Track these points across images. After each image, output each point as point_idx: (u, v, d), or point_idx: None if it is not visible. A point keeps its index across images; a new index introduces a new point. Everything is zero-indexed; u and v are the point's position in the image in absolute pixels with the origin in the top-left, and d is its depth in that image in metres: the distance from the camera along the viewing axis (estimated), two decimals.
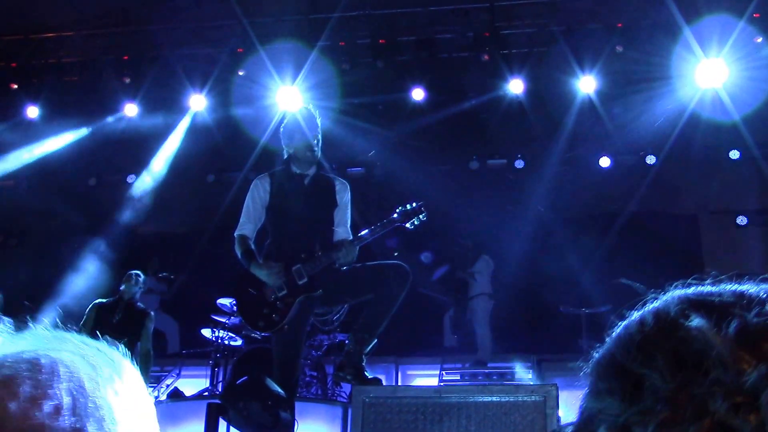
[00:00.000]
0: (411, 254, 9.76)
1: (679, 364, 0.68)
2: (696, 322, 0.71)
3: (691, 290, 0.78)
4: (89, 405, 0.72)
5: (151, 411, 0.81)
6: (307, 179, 4.76)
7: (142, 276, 7.53)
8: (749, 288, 0.76)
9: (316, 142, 4.75)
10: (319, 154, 4.79)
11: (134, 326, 7.15)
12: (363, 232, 4.60)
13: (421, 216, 4.66)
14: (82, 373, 0.74)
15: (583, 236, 11.09)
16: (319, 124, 4.82)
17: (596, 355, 0.79)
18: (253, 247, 4.65)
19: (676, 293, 0.78)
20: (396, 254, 9.78)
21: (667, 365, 0.69)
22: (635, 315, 0.79)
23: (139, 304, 7.45)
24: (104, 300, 7.42)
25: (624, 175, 10.88)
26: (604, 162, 10.92)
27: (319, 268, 4.52)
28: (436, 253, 10.67)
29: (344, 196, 4.81)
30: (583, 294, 9.73)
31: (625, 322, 0.79)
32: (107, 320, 7.07)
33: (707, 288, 0.78)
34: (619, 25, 9.35)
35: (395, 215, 4.64)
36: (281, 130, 4.87)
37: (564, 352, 9.24)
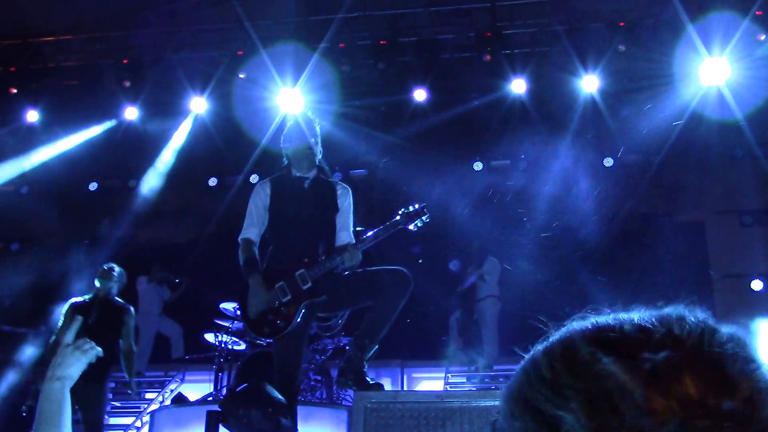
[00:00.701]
0: (411, 259, 9.70)
1: (594, 406, 0.67)
2: (606, 362, 0.69)
3: (591, 323, 0.76)
4: None
5: None
6: (308, 182, 4.72)
7: (118, 269, 6.94)
8: (647, 320, 0.74)
9: (315, 144, 4.72)
10: (318, 157, 4.75)
11: (113, 325, 6.69)
12: (366, 235, 4.55)
13: (423, 217, 4.62)
14: None
15: (586, 237, 11.02)
16: (318, 130, 4.78)
17: (506, 388, 0.78)
18: (257, 254, 4.61)
19: (577, 326, 0.76)
20: (420, 261, 9.78)
21: (582, 408, 0.68)
22: (540, 347, 0.77)
23: (116, 300, 6.91)
24: (79, 299, 6.89)
25: (627, 175, 10.82)
26: (608, 162, 10.87)
27: (322, 273, 4.47)
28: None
29: (345, 200, 4.77)
30: (589, 296, 9.66)
31: (530, 356, 0.77)
32: (83, 321, 6.81)
33: (607, 320, 0.76)
34: (622, 23, 9.31)
35: (398, 217, 4.59)
36: (282, 134, 4.84)
37: None
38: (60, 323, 6.62)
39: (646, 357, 0.69)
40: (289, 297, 4.44)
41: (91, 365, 6.33)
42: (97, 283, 6.80)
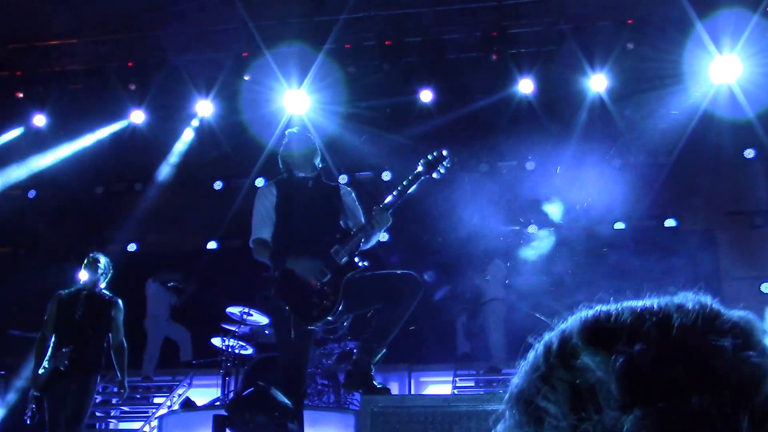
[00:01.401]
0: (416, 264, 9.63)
1: (577, 399, 0.67)
2: (588, 353, 0.69)
3: (593, 312, 0.75)
4: None
5: None
6: (311, 182, 4.70)
7: (104, 259, 6.48)
8: (647, 308, 0.73)
9: (316, 147, 4.72)
10: (318, 157, 4.74)
11: (100, 319, 6.30)
12: (389, 197, 4.47)
13: (445, 162, 4.56)
14: None
15: (594, 239, 10.94)
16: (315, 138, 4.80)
17: (512, 384, 0.77)
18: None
19: (580, 316, 0.75)
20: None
21: (567, 401, 0.67)
22: (544, 338, 0.76)
23: (104, 292, 6.46)
24: (66, 291, 6.45)
25: (636, 176, 10.71)
26: (616, 163, 10.77)
27: (356, 244, 4.45)
28: (439, 270, 10.49)
29: (349, 198, 4.78)
30: (600, 298, 9.54)
31: (535, 347, 0.76)
32: (69, 316, 6.22)
33: (609, 309, 0.75)
34: (630, 21, 9.23)
35: (420, 168, 4.53)
36: (283, 135, 4.83)
37: None
38: (46, 318, 6.30)
39: (622, 349, 0.67)
40: (329, 276, 4.38)
41: (75, 358, 5.70)
42: (82, 276, 6.43)
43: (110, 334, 6.30)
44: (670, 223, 10.82)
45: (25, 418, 5.93)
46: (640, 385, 0.65)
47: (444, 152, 4.57)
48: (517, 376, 0.76)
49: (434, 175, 4.55)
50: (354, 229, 4.52)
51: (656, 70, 9.14)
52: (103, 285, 6.44)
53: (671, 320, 0.70)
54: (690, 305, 0.72)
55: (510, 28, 9.71)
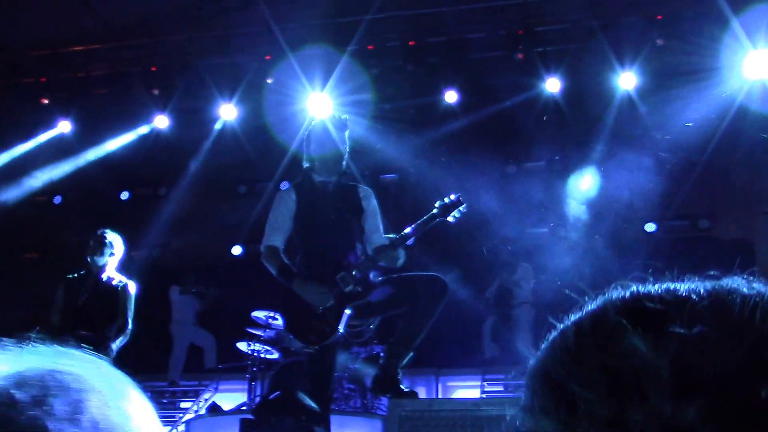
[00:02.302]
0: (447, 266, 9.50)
1: (617, 384, 0.60)
2: (632, 335, 0.62)
3: (630, 292, 0.69)
4: (115, 420, 0.71)
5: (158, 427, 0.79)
6: (331, 186, 4.60)
7: (111, 235, 5.84)
8: (694, 290, 0.66)
9: (345, 150, 4.61)
10: (343, 163, 4.63)
11: (106, 305, 5.67)
12: (405, 231, 4.41)
13: (461, 208, 4.49)
14: (103, 388, 0.74)
15: (625, 239, 10.75)
16: (347, 135, 4.67)
17: (531, 363, 0.71)
18: (287, 261, 4.49)
19: (615, 294, 0.69)
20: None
21: (604, 386, 0.61)
22: (572, 318, 0.70)
23: (113, 276, 5.81)
24: (74, 275, 5.87)
25: (668, 174, 10.51)
26: (647, 161, 10.57)
27: (362, 274, 4.37)
28: (467, 273, 10.36)
29: (370, 201, 4.69)
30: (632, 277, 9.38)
31: (561, 326, 0.70)
32: (74, 301, 5.66)
33: (648, 289, 0.68)
34: (659, 17, 9.04)
35: (435, 210, 4.47)
36: (305, 137, 4.70)
37: None
38: (53, 303, 5.87)
39: (678, 332, 0.60)
40: (332, 302, 4.32)
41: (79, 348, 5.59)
42: (89, 258, 5.79)
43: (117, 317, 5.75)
44: (703, 224, 10.60)
45: None
46: (699, 373, 0.59)
47: (460, 198, 4.53)
48: (543, 356, 0.69)
49: (449, 219, 4.49)
50: (362, 258, 4.45)
51: (688, 65, 8.95)
52: (113, 265, 5.83)
53: (727, 303, 0.63)
54: (744, 290, 0.64)
55: (536, 25, 9.56)
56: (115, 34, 10.28)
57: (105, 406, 0.71)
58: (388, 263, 4.41)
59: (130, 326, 5.77)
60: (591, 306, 0.69)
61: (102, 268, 5.74)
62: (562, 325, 0.70)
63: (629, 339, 0.62)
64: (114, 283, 5.76)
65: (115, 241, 5.83)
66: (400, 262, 4.45)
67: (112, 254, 5.77)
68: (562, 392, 0.64)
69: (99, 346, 5.31)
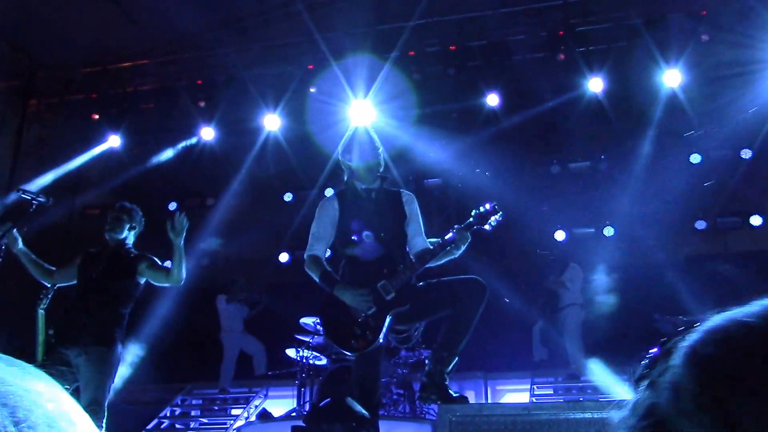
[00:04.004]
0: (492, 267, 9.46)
1: None
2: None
3: (757, 317, 0.58)
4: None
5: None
6: (374, 193, 4.63)
7: (132, 211, 5.43)
8: None
9: (381, 157, 4.63)
10: (381, 168, 4.65)
11: (122, 281, 5.15)
12: (446, 237, 4.43)
13: (497, 216, 4.48)
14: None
15: (674, 238, 10.55)
16: (378, 143, 4.69)
17: (628, 410, 0.61)
18: (329, 268, 4.53)
19: (734, 323, 0.58)
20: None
21: None
22: (680, 354, 0.59)
23: (130, 250, 5.31)
24: (95, 249, 5.37)
25: (717, 171, 10.29)
26: (695, 158, 10.36)
27: (404, 282, 4.40)
28: (515, 275, 10.27)
29: (412, 206, 4.70)
30: (680, 301, 9.22)
31: (662, 365, 0.60)
32: (88, 275, 5.17)
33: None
34: (704, 12, 8.87)
35: (471, 219, 4.47)
36: (346, 144, 4.74)
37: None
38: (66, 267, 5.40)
39: None
40: (374, 309, 4.34)
41: (92, 325, 4.87)
42: (107, 233, 5.31)
43: (125, 307, 5.20)
44: (756, 220, 10.34)
45: None
46: None
47: (495, 206, 4.51)
48: (650, 402, 0.60)
49: (486, 227, 4.49)
50: (402, 266, 4.44)
51: (734, 60, 8.77)
52: (131, 241, 5.36)
53: None
54: None
55: (577, 25, 9.48)
56: (161, 49, 10.52)
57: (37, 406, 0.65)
58: (462, 243, 4.39)
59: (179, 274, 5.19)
60: (703, 338, 0.60)
61: (120, 243, 5.28)
62: (659, 362, 0.61)
63: None
64: (131, 256, 5.26)
65: (135, 215, 5.42)
66: (458, 253, 4.45)
67: (131, 228, 5.35)
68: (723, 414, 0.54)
69: (111, 320, 5.04)
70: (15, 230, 5.20)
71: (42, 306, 4.89)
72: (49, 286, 5.21)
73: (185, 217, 5.24)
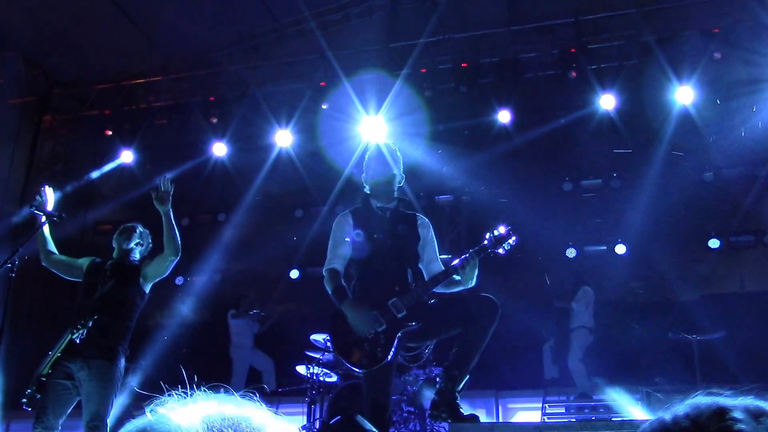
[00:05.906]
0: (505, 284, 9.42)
1: None
2: None
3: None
4: None
5: None
6: (389, 212, 4.63)
7: (141, 229, 5.43)
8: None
9: (396, 175, 4.62)
10: (396, 189, 4.65)
11: (127, 294, 5.11)
12: (455, 262, 4.40)
13: (511, 240, 4.44)
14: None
15: (686, 256, 10.48)
16: (401, 159, 4.69)
17: None
18: (344, 283, 4.52)
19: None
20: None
21: None
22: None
23: (133, 260, 5.30)
24: (101, 260, 5.31)
25: (730, 189, 10.22)
26: (707, 177, 10.30)
27: (415, 300, 4.38)
28: (527, 294, 10.22)
29: (427, 232, 4.70)
30: (693, 319, 9.14)
31: None
32: (92, 288, 5.09)
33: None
34: (716, 30, 8.85)
35: (485, 242, 4.43)
36: (363, 162, 4.76)
37: (674, 382, 8.62)
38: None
39: None
40: (384, 326, 4.32)
41: (96, 338, 4.75)
42: (114, 243, 5.32)
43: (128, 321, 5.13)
44: None
45: (22, 400, 4.67)
46: None
47: (510, 230, 4.47)
48: None
49: (500, 251, 4.46)
50: (413, 284, 4.45)
51: (747, 76, 8.74)
52: (136, 257, 5.33)
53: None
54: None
55: (589, 43, 9.48)
56: (175, 66, 10.60)
57: None
58: (471, 271, 4.38)
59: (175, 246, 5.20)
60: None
61: (125, 254, 5.27)
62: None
63: None
64: (134, 264, 5.27)
65: (144, 234, 5.44)
66: (471, 283, 4.42)
67: (138, 244, 5.35)
68: None
69: (115, 333, 4.97)
70: (46, 224, 5.29)
71: (76, 335, 4.74)
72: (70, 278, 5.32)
73: (170, 182, 5.25)
